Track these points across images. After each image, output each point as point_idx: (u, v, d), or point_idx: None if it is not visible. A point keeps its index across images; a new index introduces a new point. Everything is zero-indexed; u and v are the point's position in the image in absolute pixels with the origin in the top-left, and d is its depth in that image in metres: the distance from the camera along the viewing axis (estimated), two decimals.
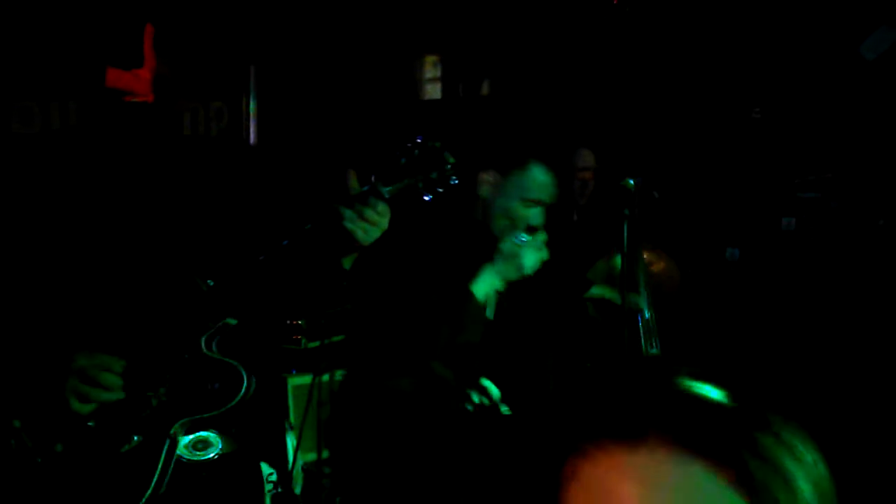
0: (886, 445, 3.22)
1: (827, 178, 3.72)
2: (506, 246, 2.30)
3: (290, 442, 3.16)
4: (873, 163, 3.68)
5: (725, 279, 3.90)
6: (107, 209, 1.92)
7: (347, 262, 1.83)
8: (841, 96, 3.73)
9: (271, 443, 3.21)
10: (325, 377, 3.54)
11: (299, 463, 3.43)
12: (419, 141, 1.76)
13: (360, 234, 1.74)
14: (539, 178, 2.39)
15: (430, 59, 4.68)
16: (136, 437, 1.67)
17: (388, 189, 1.74)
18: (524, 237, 2.31)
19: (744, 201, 3.90)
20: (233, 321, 1.76)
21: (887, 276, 3.54)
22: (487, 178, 2.41)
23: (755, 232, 3.88)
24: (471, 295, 2.25)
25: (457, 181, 1.77)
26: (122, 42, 2.14)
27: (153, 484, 1.64)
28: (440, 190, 1.76)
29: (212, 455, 1.97)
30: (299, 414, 3.50)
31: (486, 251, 2.33)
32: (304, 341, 3.55)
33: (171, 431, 1.69)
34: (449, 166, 1.75)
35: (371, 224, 1.75)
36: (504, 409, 2.37)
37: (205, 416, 1.72)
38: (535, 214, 2.39)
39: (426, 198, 1.76)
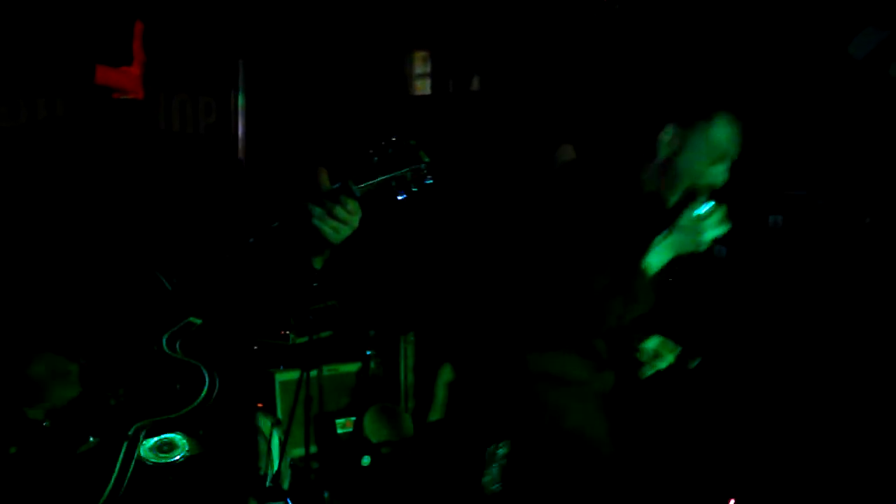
0: (875, 442, 3.24)
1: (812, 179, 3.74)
2: (685, 219, 2.10)
3: (275, 439, 3.16)
4: (860, 161, 3.70)
5: (712, 276, 3.92)
6: (77, 205, 1.89)
7: (318, 262, 1.79)
8: (828, 95, 3.75)
9: (241, 444, 3.20)
10: (314, 373, 3.56)
11: (287, 458, 3.44)
12: (393, 139, 1.71)
13: (329, 232, 1.69)
14: (725, 131, 2.18)
15: (420, 55, 4.67)
16: (92, 438, 1.63)
17: (359, 187, 1.69)
18: (706, 208, 2.10)
19: (731, 199, 3.91)
20: (197, 320, 1.71)
21: (874, 273, 3.56)
22: (667, 135, 2.19)
23: (742, 229, 3.89)
24: (644, 270, 2.09)
25: (431, 181, 1.73)
26: (112, 39, 2.11)
27: (111, 486, 1.59)
28: (415, 189, 1.72)
29: (177, 457, 1.94)
30: (286, 409, 3.51)
31: (659, 222, 2.14)
32: (291, 337, 3.55)
33: (130, 432, 1.64)
34: (423, 165, 1.71)
35: (341, 222, 1.69)
36: (692, 364, 2.30)
37: (165, 417, 1.67)
38: (720, 172, 2.20)
39: (399, 197, 1.72)
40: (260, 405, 3.43)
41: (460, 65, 4.63)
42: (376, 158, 1.69)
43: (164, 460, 1.91)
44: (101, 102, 2.01)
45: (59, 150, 1.97)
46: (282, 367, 3.59)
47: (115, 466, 1.61)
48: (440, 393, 3.88)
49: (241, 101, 4.38)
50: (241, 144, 4.35)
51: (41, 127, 2.03)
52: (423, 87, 4.72)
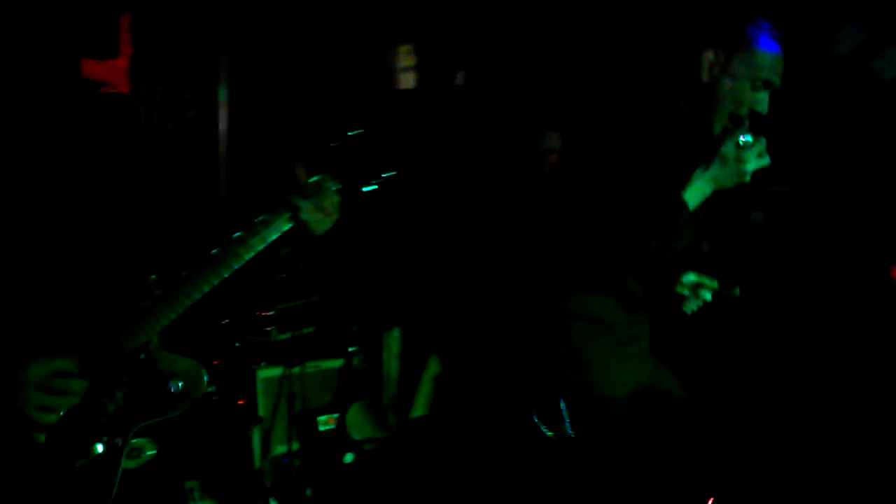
0: (859, 438, 3.27)
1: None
2: (727, 149, 2.01)
3: (257, 437, 3.15)
4: (843, 158, 3.72)
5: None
6: (62, 203, 1.86)
7: (284, 251, 1.84)
8: (811, 91, 3.76)
9: (223, 442, 3.19)
10: (296, 369, 3.54)
11: (269, 456, 3.44)
12: (359, 132, 1.78)
13: (314, 224, 1.76)
14: (771, 54, 2.12)
15: (405, 49, 4.66)
16: (95, 448, 1.59)
17: (336, 181, 1.77)
18: (748, 138, 2.01)
19: (713, 195, 3.92)
20: (174, 317, 1.71)
21: (855, 270, 3.59)
22: (710, 56, 2.11)
23: (724, 226, 3.91)
24: (683, 204, 2.00)
25: (394, 174, 1.79)
26: (98, 32, 2.10)
27: (114, 494, 1.57)
28: (378, 181, 1.78)
29: (143, 461, 1.92)
30: (268, 406, 3.50)
31: (699, 152, 2.05)
32: (274, 333, 3.54)
33: (130, 436, 1.63)
34: (385, 160, 1.78)
35: (327, 215, 1.76)
36: (735, 291, 2.24)
37: (166, 417, 1.67)
38: (762, 99, 2.12)
39: (367, 189, 1.79)
40: (242, 402, 3.42)
41: (446, 58, 4.62)
42: (345, 152, 1.76)
43: (132, 465, 1.89)
44: (87, 96, 1.99)
45: (44, 147, 1.95)
46: (264, 364, 3.57)
47: (116, 477, 1.59)
48: (425, 387, 3.87)
49: (223, 94, 4.37)
50: (222, 138, 4.33)
51: (25, 123, 1.99)
52: (407, 81, 4.71)
